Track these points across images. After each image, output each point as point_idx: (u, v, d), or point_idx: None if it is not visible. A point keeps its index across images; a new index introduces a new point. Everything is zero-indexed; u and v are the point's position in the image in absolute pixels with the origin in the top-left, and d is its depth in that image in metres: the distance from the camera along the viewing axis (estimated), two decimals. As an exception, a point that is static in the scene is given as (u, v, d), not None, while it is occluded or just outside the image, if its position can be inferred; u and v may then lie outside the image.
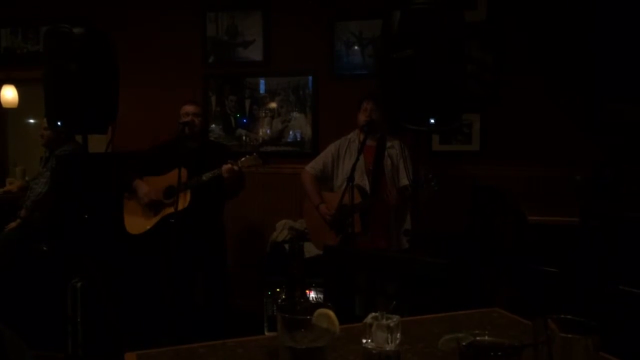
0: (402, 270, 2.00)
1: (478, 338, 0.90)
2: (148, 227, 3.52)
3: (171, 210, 3.43)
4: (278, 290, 3.92)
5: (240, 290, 4.25)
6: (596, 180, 3.69)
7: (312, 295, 3.88)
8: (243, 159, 3.33)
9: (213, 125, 4.71)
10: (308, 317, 0.88)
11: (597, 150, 3.93)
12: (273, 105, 4.61)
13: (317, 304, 0.91)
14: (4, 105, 5.31)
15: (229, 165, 3.29)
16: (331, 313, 0.88)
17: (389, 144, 3.56)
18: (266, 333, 3.92)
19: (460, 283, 2.80)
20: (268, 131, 4.63)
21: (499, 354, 0.88)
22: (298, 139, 4.60)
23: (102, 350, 3.44)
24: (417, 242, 3.23)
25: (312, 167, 3.73)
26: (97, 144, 4.15)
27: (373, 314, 0.91)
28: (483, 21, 4.14)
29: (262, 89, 4.63)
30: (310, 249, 3.94)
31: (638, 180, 3.65)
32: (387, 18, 4.05)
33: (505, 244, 3.45)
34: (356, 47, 4.45)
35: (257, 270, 4.22)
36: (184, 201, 3.38)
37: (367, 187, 3.50)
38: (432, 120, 2.93)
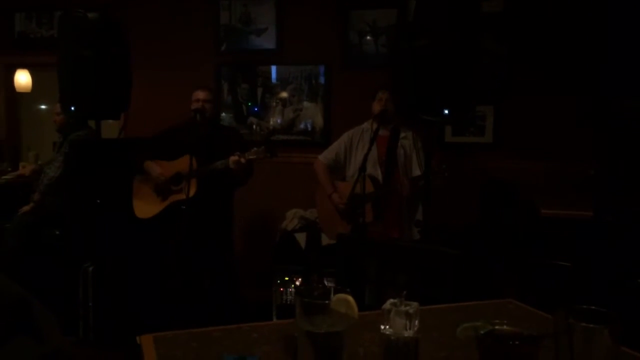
0: (413, 260, 1.99)
1: (497, 327, 0.89)
2: (156, 212, 3.53)
3: (178, 197, 3.44)
4: (287, 279, 3.94)
5: (250, 279, 4.26)
6: (610, 175, 3.66)
7: (324, 283, 3.89)
8: (252, 150, 3.33)
9: (224, 114, 4.70)
10: (327, 301, 0.87)
11: (611, 144, 3.89)
12: (284, 94, 4.60)
13: (335, 289, 0.91)
14: (18, 90, 5.33)
15: (236, 157, 3.29)
16: (350, 298, 0.87)
17: (402, 134, 3.54)
18: (275, 321, 3.94)
19: (470, 275, 2.79)
20: (279, 120, 4.62)
21: (517, 342, 0.87)
22: (309, 129, 4.59)
23: (113, 335, 3.48)
24: (429, 233, 3.22)
25: (324, 156, 3.73)
26: (110, 129, 4.18)
27: (391, 300, 0.91)
28: (499, 13, 4.09)
29: (274, 77, 4.62)
30: (322, 238, 3.94)
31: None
32: (402, 7, 4.04)
33: (516, 238, 3.43)
34: (369, 37, 4.42)
35: (266, 259, 4.22)
36: (192, 189, 3.39)
37: (380, 177, 3.49)
38: (446, 111, 2.92)
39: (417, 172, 3.51)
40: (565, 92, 4.04)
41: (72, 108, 3.23)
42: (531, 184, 3.82)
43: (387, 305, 0.91)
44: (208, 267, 3.61)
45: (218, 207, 3.62)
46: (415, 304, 0.91)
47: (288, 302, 3.93)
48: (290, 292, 3.93)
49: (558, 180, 3.86)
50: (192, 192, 3.38)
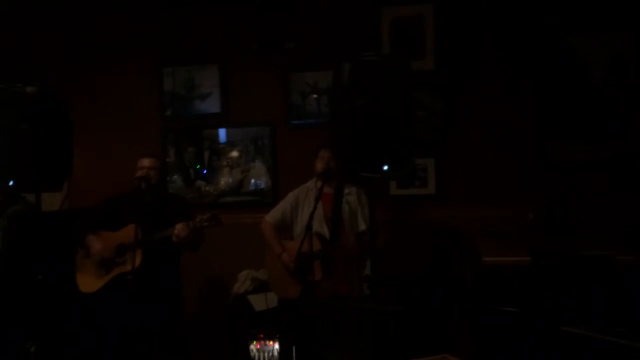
0: (358, 319, 2.01)
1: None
2: (100, 285, 3.45)
3: (122, 268, 3.39)
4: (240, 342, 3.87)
5: (203, 345, 4.16)
6: (548, 219, 3.80)
7: (275, 346, 3.84)
8: (197, 219, 3.34)
9: (175, 177, 4.69)
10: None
11: (549, 189, 4.07)
12: (235, 153, 4.63)
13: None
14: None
15: (182, 225, 3.29)
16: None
17: (346, 190, 3.61)
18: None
19: (417, 329, 2.82)
20: (230, 180, 4.64)
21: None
22: (258, 188, 4.62)
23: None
24: (378, 287, 3.25)
25: (271, 216, 3.75)
26: (53, 200, 4.10)
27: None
28: (431, 70, 4.31)
29: (221, 139, 4.66)
30: (273, 299, 3.91)
31: (589, 218, 3.78)
32: (337, 70, 4.23)
33: (464, 286, 3.50)
34: (313, 96, 4.54)
35: (219, 323, 4.14)
36: (137, 259, 3.33)
37: (327, 234, 3.53)
38: (385, 167, 3.01)
39: (362, 226, 3.57)
40: (503, 140, 4.23)
41: (11, 182, 3.17)
42: (475, 231, 3.93)
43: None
44: (157, 337, 3.50)
45: (165, 276, 3.56)
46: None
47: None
48: (245, 355, 3.86)
49: (499, 226, 3.99)
50: (138, 262, 3.32)
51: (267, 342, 3.88)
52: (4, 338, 3.55)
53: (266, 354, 3.86)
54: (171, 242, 3.36)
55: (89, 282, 3.50)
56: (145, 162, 3.59)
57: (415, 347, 1.83)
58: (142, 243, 3.32)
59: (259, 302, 4.03)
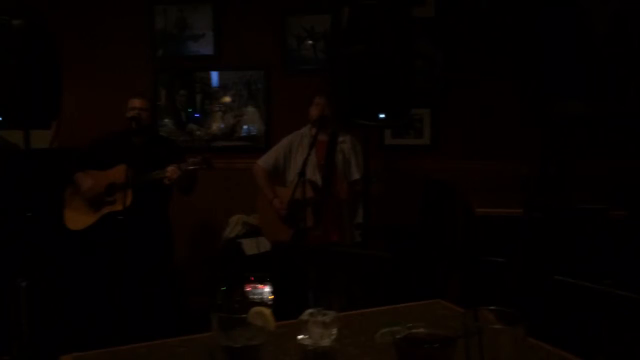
0: (351, 265, 2.02)
1: (413, 330, 0.92)
2: (89, 223, 3.43)
3: (112, 207, 3.36)
4: (226, 287, 3.89)
5: (194, 288, 4.19)
6: (541, 174, 3.81)
7: (266, 289, 3.87)
8: (189, 161, 3.29)
9: (166, 120, 4.62)
10: (243, 315, 0.87)
11: (544, 144, 4.06)
12: (227, 99, 4.55)
13: (253, 303, 0.91)
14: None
15: (174, 167, 3.25)
16: (266, 311, 0.88)
17: (340, 138, 3.58)
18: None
19: (407, 276, 2.86)
20: (222, 126, 4.58)
21: (434, 345, 0.90)
22: (251, 134, 4.56)
23: (49, 352, 3.35)
24: (369, 236, 3.27)
25: (264, 161, 3.72)
26: (41, 139, 4.03)
27: (309, 310, 0.92)
28: (431, 17, 4.20)
29: (214, 83, 4.57)
30: (265, 243, 3.93)
31: (581, 174, 3.79)
32: (336, 14, 4.10)
33: (455, 237, 3.53)
34: (308, 42, 4.44)
35: (209, 267, 4.17)
36: (127, 199, 3.31)
37: (319, 182, 3.51)
38: (382, 115, 2.97)
39: (356, 175, 3.56)
40: (500, 94, 4.19)
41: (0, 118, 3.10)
42: (467, 183, 3.94)
43: (304, 315, 0.92)
44: (148, 278, 3.53)
45: (154, 217, 3.55)
46: (332, 313, 0.92)
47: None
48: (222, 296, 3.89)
49: (492, 180, 4.00)
50: (128, 202, 3.30)
51: (258, 286, 3.91)
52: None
53: (257, 297, 3.90)
54: (162, 184, 3.33)
55: (77, 220, 3.49)
56: (136, 102, 3.52)
57: (405, 294, 1.84)
58: (133, 183, 3.29)
59: (250, 247, 4.05)
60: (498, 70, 4.18)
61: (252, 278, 4.12)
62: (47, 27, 3.18)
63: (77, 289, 3.60)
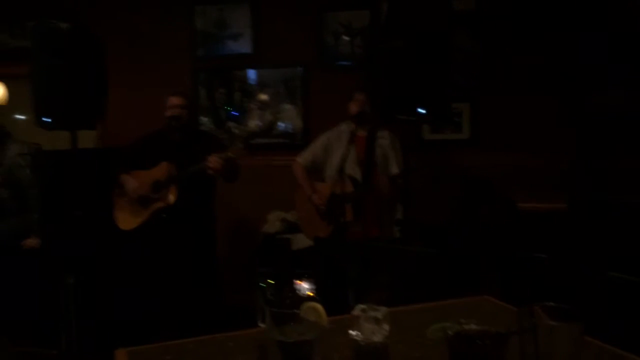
0: (393, 261, 2.01)
1: (465, 326, 0.91)
2: (139, 222, 3.51)
3: (160, 204, 3.42)
4: (270, 281, 3.93)
5: (233, 284, 4.25)
6: (582, 168, 3.72)
7: (304, 285, 3.89)
8: (229, 149, 3.32)
9: (205, 118, 4.69)
10: (296, 310, 0.88)
11: (584, 138, 3.95)
12: (265, 97, 4.59)
13: (305, 298, 0.92)
14: (-7, 103, 5.25)
15: (214, 157, 3.28)
16: (319, 306, 0.88)
17: (379, 134, 3.56)
18: (259, 324, 3.94)
19: (450, 273, 2.82)
20: (259, 123, 4.62)
21: (486, 342, 0.89)
22: (289, 131, 4.59)
23: (97, 347, 3.44)
24: (409, 232, 3.25)
25: (303, 157, 3.74)
26: (86, 139, 4.14)
27: (361, 305, 0.92)
28: (471, 10, 4.14)
29: (252, 81, 4.62)
30: (303, 240, 3.95)
31: (624, 168, 3.67)
32: (375, 9, 4.08)
33: (495, 233, 3.48)
34: (345, 38, 4.43)
35: (249, 263, 4.22)
36: (172, 195, 3.38)
37: (359, 177, 3.51)
38: (421, 110, 2.95)
39: (395, 171, 3.54)
40: (540, 88, 4.09)
41: (48, 119, 3.20)
42: (507, 178, 3.87)
43: (356, 310, 0.92)
44: (192, 272, 3.59)
45: (200, 211, 3.61)
46: (384, 309, 0.92)
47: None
48: (272, 292, 3.93)
49: (533, 174, 3.92)
50: (172, 199, 3.37)
51: (296, 282, 3.94)
52: (44, 270, 3.69)
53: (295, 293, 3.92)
54: (205, 176, 3.37)
55: (127, 220, 3.57)
56: (175, 100, 3.56)
57: (447, 291, 1.82)
58: (177, 178, 3.35)
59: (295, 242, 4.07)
60: (538, 63, 4.08)
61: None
62: (92, 30, 3.27)
63: (124, 285, 3.69)
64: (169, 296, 3.42)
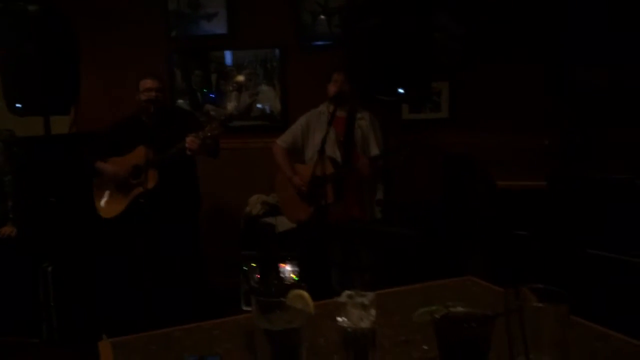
0: (375, 242, 2.01)
1: (451, 309, 0.91)
2: (121, 209, 3.46)
3: (140, 189, 3.37)
4: (253, 265, 3.93)
5: (216, 268, 4.23)
6: (564, 145, 3.75)
7: (287, 268, 3.90)
8: (206, 128, 3.28)
9: (181, 101, 4.61)
10: (282, 299, 0.87)
11: (565, 115, 3.98)
12: (241, 78, 4.53)
13: (291, 285, 0.91)
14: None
15: (192, 137, 3.24)
16: (305, 294, 0.87)
17: (358, 115, 3.55)
18: (243, 307, 3.94)
19: (432, 253, 2.84)
20: (235, 103, 4.56)
21: (473, 324, 0.89)
22: (267, 113, 4.54)
23: (78, 335, 3.41)
24: (390, 212, 3.26)
25: (282, 140, 3.71)
26: (60, 125, 4.05)
27: (347, 291, 0.92)
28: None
29: (228, 62, 4.54)
30: (284, 222, 3.94)
31: (605, 144, 3.72)
32: (352, -14, 4.02)
33: (477, 211, 3.51)
34: (323, 17, 4.38)
35: (231, 246, 4.20)
36: (152, 180, 3.33)
37: (339, 158, 3.50)
38: (401, 90, 2.94)
39: (375, 151, 3.53)
40: (520, 65, 4.10)
41: (19, 105, 3.11)
42: (488, 157, 3.89)
43: (342, 297, 0.92)
44: (176, 255, 3.56)
45: (183, 193, 3.57)
46: (370, 295, 0.92)
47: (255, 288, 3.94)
48: (257, 278, 3.94)
49: (514, 152, 3.94)
50: (153, 183, 3.32)
51: (279, 265, 3.94)
52: (22, 259, 3.63)
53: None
54: (185, 157, 3.33)
55: (109, 208, 3.51)
56: (149, 83, 3.47)
57: (429, 271, 1.84)
58: (155, 162, 3.30)
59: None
60: (518, 40, 4.08)
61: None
62: (62, 11, 3.17)
63: (105, 272, 3.65)
64: (152, 282, 3.39)
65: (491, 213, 3.30)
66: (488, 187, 3.41)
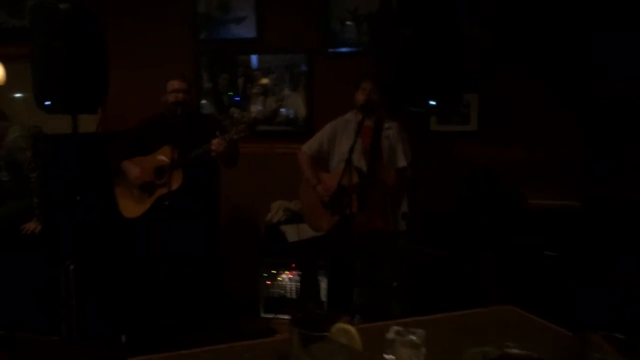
0: (400, 258, 1.96)
1: (506, 350, 0.85)
2: (144, 209, 3.44)
3: (164, 190, 3.36)
4: (274, 272, 3.90)
5: (234, 272, 4.21)
6: (596, 162, 3.65)
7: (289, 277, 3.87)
8: (233, 131, 3.26)
9: (204, 102, 4.60)
10: (326, 333, 0.82)
11: (595, 130, 3.88)
12: (265, 80, 4.49)
13: (335, 316, 0.86)
14: (-10, 82, 5.14)
15: (219, 139, 3.21)
16: (351, 328, 0.82)
17: (386, 124, 3.50)
18: (262, 315, 3.91)
19: (456, 271, 2.77)
20: (260, 108, 4.53)
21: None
22: (292, 118, 4.51)
23: (96, 333, 3.41)
24: (415, 225, 3.19)
25: (308, 147, 3.67)
26: (87, 124, 4.06)
27: (395, 327, 0.86)
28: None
29: (255, 66, 4.52)
30: (306, 230, 3.90)
31: (636, 160, 3.61)
32: (386, -5, 3.96)
33: (500, 228, 3.42)
34: (350, 23, 4.33)
35: (251, 252, 4.17)
36: (177, 181, 3.31)
37: (364, 168, 3.45)
38: (432, 102, 2.87)
39: (402, 162, 3.47)
40: (550, 79, 4.01)
41: (47, 102, 3.11)
42: (515, 171, 3.80)
43: (390, 334, 0.87)
44: (194, 257, 3.54)
45: (205, 196, 3.55)
46: (420, 332, 0.86)
47: (275, 296, 3.90)
48: (277, 285, 3.90)
49: (542, 168, 3.85)
50: (178, 184, 3.31)
51: (299, 273, 3.91)
52: (44, 255, 3.63)
53: (298, 284, 3.89)
54: (209, 161, 3.31)
55: (132, 208, 3.50)
56: (176, 84, 3.47)
57: (454, 289, 1.77)
58: (180, 162, 3.28)
59: (291, 233, 4.02)
60: (548, 53, 4.00)
61: (293, 265, 4.13)
62: (92, 10, 3.17)
63: (125, 271, 3.64)
64: (170, 284, 3.38)
65: (516, 230, 3.21)
66: (516, 204, 3.32)
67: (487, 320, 1.31)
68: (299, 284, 3.88)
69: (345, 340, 0.82)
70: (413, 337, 0.85)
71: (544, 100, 4.04)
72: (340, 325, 0.83)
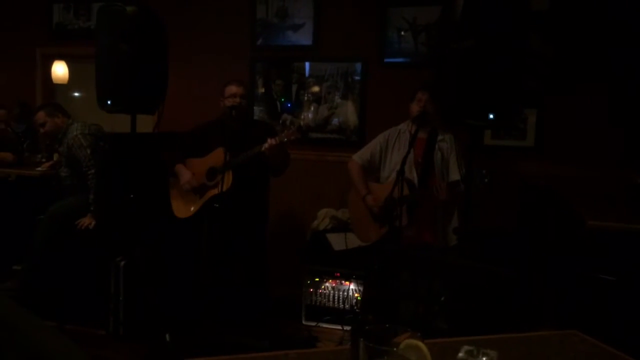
0: (451, 274, 1.90)
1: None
2: (194, 210, 3.51)
3: (215, 191, 3.40)
4: (317, 279, 3.89)
5: (279, 277, 4.21)
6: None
7: (351, 287, 3.83)
8: (284, 133, 3.27)
9: (260, 109, 4.65)
10: (395, 348, 0.80)
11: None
12: (316, 89, 4.50)
13: (398, 329, 0.83)
14: (55, 81, 5.35)
15: (271, 140, 3.23)
16: (422, 345, 0.79)
17: (440, 137, 3.44)
18: (303, 322, 3.89)
19: (507, 290, 2.68)
20: (310, 115, 4.54)
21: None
22: (344, 127, 4.50)
23: (142, 330, 3.46)
24: (466, 241, 3.11)
25: (359, 156, 3.64)
26: (144, 124, 4.15)
27: (467, 347, 0.83)
28: (545, 10, 3.93)
29: (310, 73, 4.54)
30: (353, 240, 3.87)
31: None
32: (448, 5, 3.91)
33: (555, 249, 3.30)
34: (405, 34, 4.29)
35: (296, 258, 4.17)
36: (227, 182, 3.35)
37: (415, 180, 3.40)
38: (491, 116, 2.80)
39: (455, 176, 3.40)
40: (613, 95, 3.86)
41: (109, 102, 3.20)
42: (572, 191, 3.67)
43: (462, 354, 0.83)
44: (240, 259, 3.57)
45: (254, 198, 3.58)
46: (493, 353, 0.83)
47: (317, 304, 3.88)
48: (320, 293, 3.88)
49: (601, 189, 3.70)
50: (228, 185, 3.34)
51: (343, 282, 3.87)
52: (97, 251, 3.73)
53: (341, 294, 3.86)
54: (260, 164, 3.33)
55: (184, 208, 3.58)
56: (234, 89, 3.53)
57: (503, 308, 1.71)
58: (232, 164, 3.32)
59: (338, 242, 4.00)
60: (611, 70, 3.85)
61: (338, 274, 4.09)
62: (157, 14, 3.25)
63: (174, 270, 3.71)
64: (215, 283, 3.41)
65: (572, 252, 3.09)
66: (572, 224, 3.20)
67: (549, 344, 1.25)
68: (340, 293, 3.85)
69: (415, 358, 0.79)
70: (486, 358, 0.81)
71: (607, 119, 3.88)
72: (411, 341, 0.80)
